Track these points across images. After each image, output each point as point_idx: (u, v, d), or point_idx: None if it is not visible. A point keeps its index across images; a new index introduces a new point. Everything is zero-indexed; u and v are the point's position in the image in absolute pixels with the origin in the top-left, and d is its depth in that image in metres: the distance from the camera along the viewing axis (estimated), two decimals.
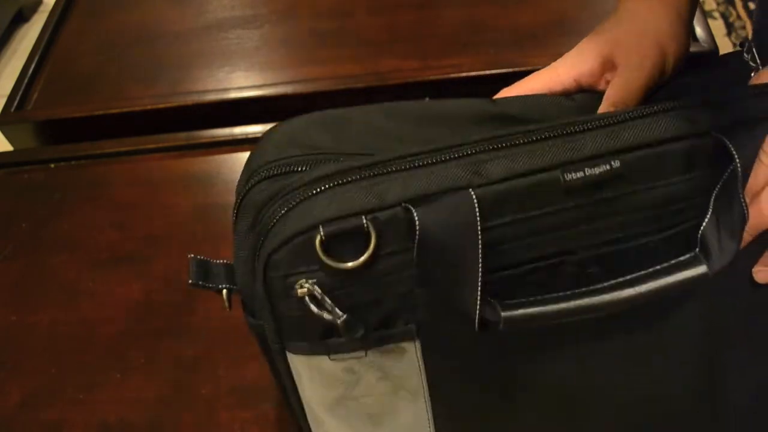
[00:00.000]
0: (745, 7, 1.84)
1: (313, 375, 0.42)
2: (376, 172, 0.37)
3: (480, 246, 0.36)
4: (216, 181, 0.75)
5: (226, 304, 0.41)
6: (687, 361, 0.46)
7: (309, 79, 0.81)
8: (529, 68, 0.80)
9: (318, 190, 0.37)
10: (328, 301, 0.37)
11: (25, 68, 0.88)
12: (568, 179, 0.37)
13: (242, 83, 0.82)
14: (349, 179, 0.37)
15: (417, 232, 0.36)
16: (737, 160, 0.37)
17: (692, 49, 0.48)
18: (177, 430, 0.57)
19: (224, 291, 0.41)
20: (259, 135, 0.77)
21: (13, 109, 0.83)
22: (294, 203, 0.37)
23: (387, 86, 0.79)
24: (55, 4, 0.98)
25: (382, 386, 0.43)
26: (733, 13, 1.85)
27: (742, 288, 0.44)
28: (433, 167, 0.37)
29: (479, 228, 0.36)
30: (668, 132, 0.38)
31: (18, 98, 0.84)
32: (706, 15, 1.46)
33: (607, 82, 0.44)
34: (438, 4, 0.89)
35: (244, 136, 0.77)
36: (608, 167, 0.37)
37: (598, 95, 0.44)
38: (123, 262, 0.68)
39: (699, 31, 0.78)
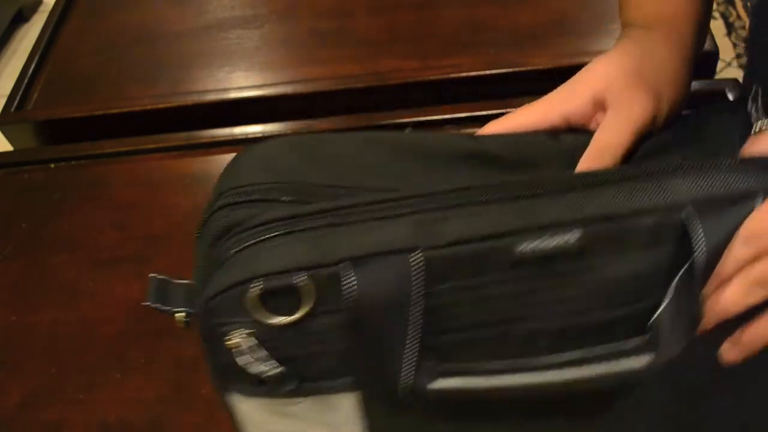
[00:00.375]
0: (745, 7, 1.84)
1: (252, 412, 0.42)
2: (327, 223, 0.36)
3: (417, 314, 0.35)
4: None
5: (182, 326, 0.40)
6: (653, 425, 0.44)
7: (309, 79, 0.81)
8: (529, 68, 0.80)
9: (266, 236, 0.36)
10: (263, 352, 0.37)
11: (25, 68, 0.88)
12: (519, 250, 0.35)
13: (242, 83, 0.82)
14: (299, 228, 0.36)
15: (349, 296, 0.35)
16: (700, 254, 0.34)
17: None
18: (177, 430, 0.57)
19: (177, 315, 0.40)
20: (259, 135, 0.77)
21: (13, 109, 0.83)
22: (241, 247, 0.37)
23: (387, 86, 0.79)
24: (55, 4, 0.98)
25: (321, 431, 0.42)
26: (733, 13, 1.85)
27: (704, 371, 0.41)
28: (384, 222, 0.36)
29: (418, 295, 0.35)
30: (637, 203, 0.35)
31: (18, 98, 0.84)
32: None
33: (599, 123, 0.42)
34: (438, 4, 0.89)
35: (244, 136, 0.77)
36: (565, 240, 0.35)
37: (585, 136, 0.41)
38: (123, 262, 0.68)
39: None
